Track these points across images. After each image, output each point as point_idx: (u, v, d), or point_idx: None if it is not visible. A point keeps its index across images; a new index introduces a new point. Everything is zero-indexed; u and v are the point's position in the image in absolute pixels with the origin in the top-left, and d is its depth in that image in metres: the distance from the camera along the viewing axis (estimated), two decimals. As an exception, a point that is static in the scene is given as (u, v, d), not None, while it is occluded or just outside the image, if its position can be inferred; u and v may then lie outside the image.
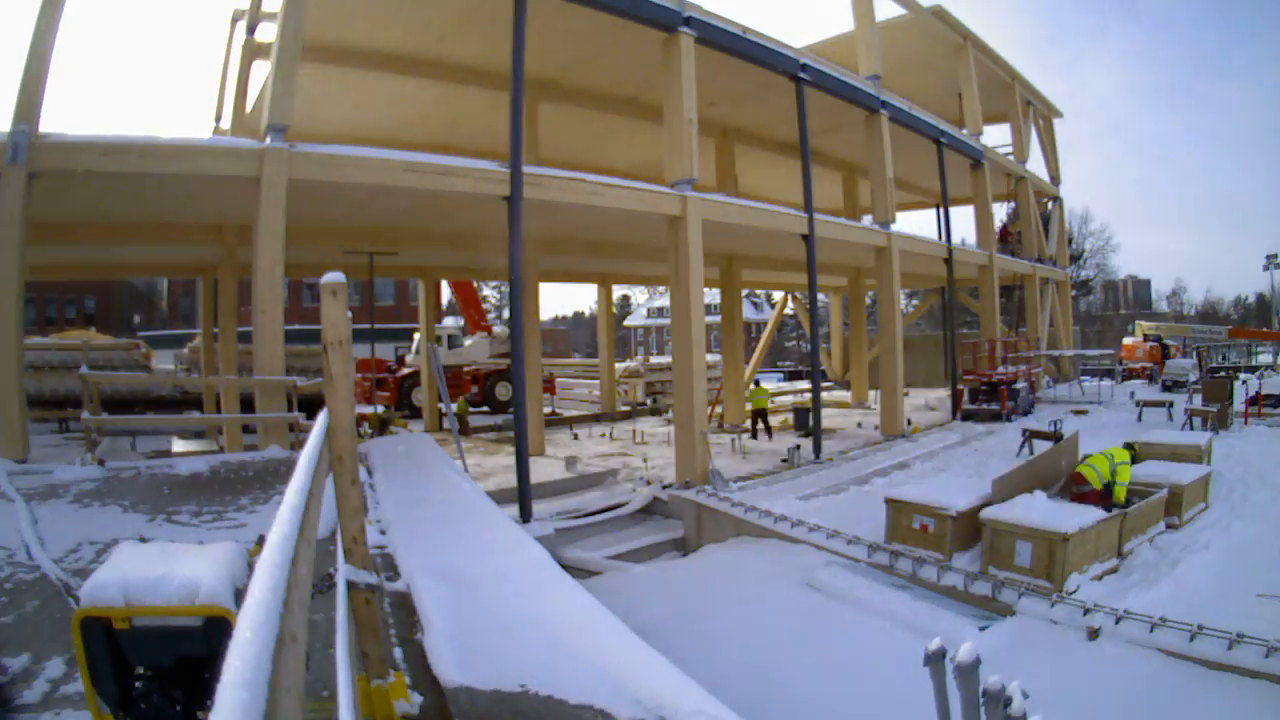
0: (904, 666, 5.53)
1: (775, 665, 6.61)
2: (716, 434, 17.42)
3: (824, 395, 19.85)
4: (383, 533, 6.09)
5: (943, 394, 24.30)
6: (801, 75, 14.96)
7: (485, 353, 25.58)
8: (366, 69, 14.18)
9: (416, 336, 26.01)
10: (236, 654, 1.07)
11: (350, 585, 2.87)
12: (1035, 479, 9.43)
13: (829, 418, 21.06)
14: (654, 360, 32.68)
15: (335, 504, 2.92)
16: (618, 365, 28.73)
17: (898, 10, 19.48)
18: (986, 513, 8.30)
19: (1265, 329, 37.35)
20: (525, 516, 10.43)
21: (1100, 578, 7.71)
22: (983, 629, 7.06)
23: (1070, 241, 40.59)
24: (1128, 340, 33.56)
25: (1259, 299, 59.42)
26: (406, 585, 4.89)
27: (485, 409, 24.38)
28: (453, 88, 15.12)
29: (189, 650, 2.28)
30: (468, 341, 26.53)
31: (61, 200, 9.66)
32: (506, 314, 36.84)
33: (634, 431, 19.62)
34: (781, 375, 45.05)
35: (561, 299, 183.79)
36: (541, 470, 13.21)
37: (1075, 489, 9.31)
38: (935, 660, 3.55)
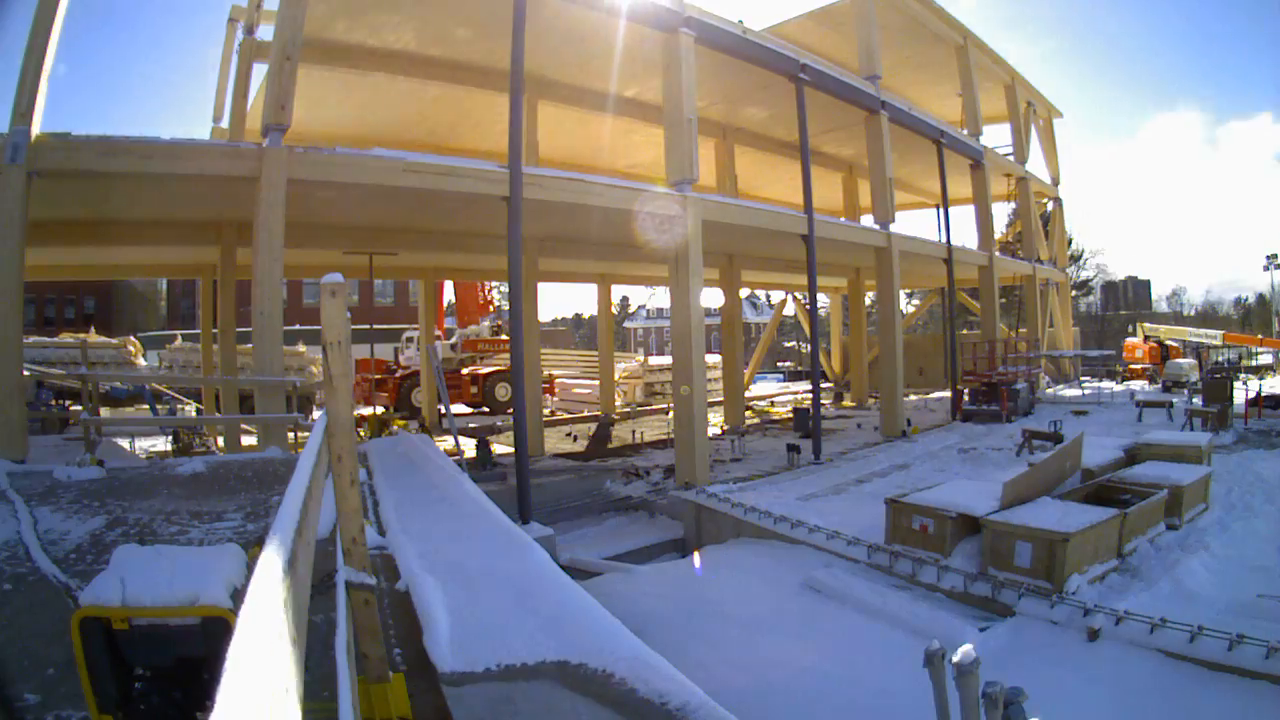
0: (903, 667, 5.53)
1: (775, 665, 6.60)
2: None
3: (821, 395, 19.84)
4: (382, 533, 6.08)
5: (943, 395, 24.30)
6: (801, 75, 14.96)
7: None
8: (366, 69, 14.19)
9: (404, 335, 26.19)
10: (236, 654, 1.07)
11: (350, 585, 2.87)
12: (1043, 483, 9.41)
13: (828, 418, 21.08)
14: (653, 360, 32.66)
15: (335, 504, 2.91)
16: (617, 365, 28.73)
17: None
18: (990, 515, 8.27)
19: (1261, 336, 37.42)
20: (525, 517, 10.42)
21: (1100, 578, 7.70)
22: (983, 630, 7.05)
23: (1070, 242, 40.62)
24: (1130, 340, 33.64)
25: (1259, 299, 59.43)
26: (406, 585, 4.89)
27: (485, 409, 24.40)
28: (452, 88, 15.13)
29: (188, 651, 2.27)
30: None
31: (61, 200, 9.66)
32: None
33: (633, 433, 19.62)
34: (782, 375, 45.04)
35: (562, 299, 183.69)
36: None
37: None
38: (934, 661, 3.54)
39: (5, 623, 4.07)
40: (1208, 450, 12.16)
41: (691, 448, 12.51)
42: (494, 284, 30.57)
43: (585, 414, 24.78)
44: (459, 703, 3.47)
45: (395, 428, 15.37)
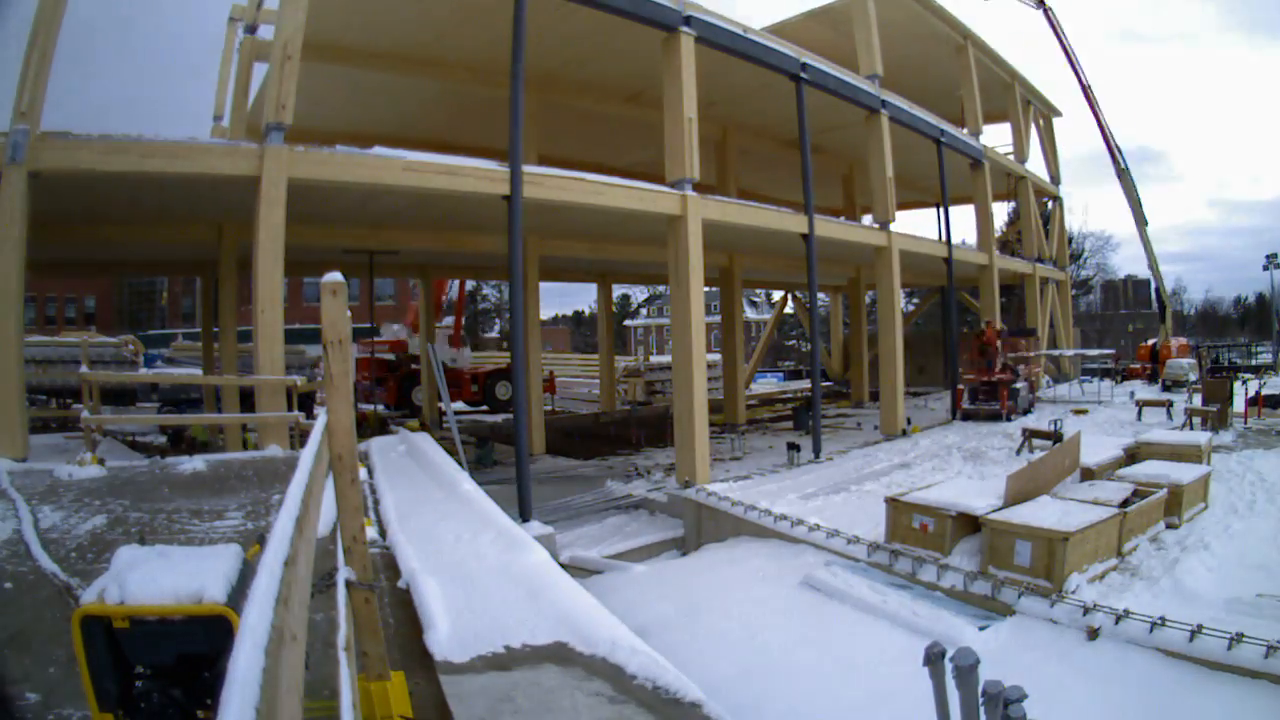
0: (903, 666, 5.54)
1: (775, 665, 6.61)
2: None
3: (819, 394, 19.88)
4: (383, 532, 6.10)
5: (942, 394, 24.29)
6: (801, 75, 14.95)
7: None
8: (366, 67, 14.17)
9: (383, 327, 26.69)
10: (238, 654, 1.08)
11: (350, 585, 2.87)
12: (1042, 480, 9.41)
13: (828, 417, 21.08)
14: (654, 359, 32.69)
15: (335, 502, 2.92)
16: (617, 364, 28.75)
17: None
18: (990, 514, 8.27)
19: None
20: (525, 515, 10.43)
21: (1100, 577, 7.70)
22: (982, 629, 7.06)
23: (1070, 241, 40.56)
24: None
25: (1259, 299, 59.32)
26: (407, 584, 4.90)
27: (485, 408, 24.44)
28: (452, 85, 15.11)
29: (189, 649, 2.28)
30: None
31: (62, 199, 9.65)
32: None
33: (633, 431, 19.62)
34: (782, 374, 45.04)
35: (561, 299, 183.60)
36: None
37: None
38: (934, 660, 3.55)
39: (6, 621, 4.08)
40: (1207, 449, 12.16)
41: (691, 446, 12.51)
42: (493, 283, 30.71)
43: (586, 413, 24.79)
44: (460, 701, 3.48)
45: (395, 426, 15.38)
